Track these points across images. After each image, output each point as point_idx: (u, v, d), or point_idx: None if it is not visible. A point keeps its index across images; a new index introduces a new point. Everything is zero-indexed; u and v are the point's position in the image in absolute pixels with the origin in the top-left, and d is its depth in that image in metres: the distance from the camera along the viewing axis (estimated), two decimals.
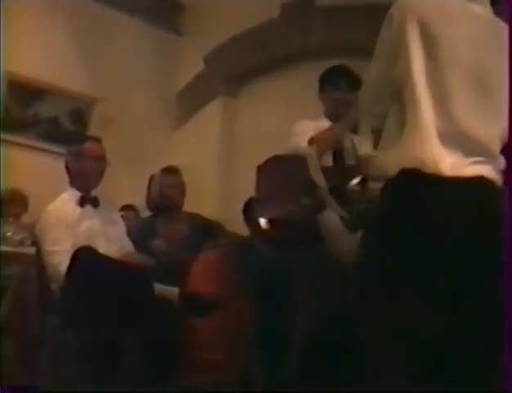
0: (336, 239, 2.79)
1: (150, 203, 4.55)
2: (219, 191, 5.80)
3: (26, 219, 4.75)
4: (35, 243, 3.77)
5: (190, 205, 4.63)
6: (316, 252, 2.90)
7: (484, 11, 2.15)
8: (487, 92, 2.06)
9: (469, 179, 1.99)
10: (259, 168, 3.27)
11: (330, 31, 4.93)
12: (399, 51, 2.07)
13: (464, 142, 2.03)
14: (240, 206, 4.80)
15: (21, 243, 4.39)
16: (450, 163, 1.99)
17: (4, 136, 5.18)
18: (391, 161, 2.07)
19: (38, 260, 3.58)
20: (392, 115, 2.14)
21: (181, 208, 4.50)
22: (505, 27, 2.15)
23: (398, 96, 2.08)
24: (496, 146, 2.09)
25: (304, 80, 5.15)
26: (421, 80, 2.03)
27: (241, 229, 4.69)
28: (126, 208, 4.99)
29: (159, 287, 3.47)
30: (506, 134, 2.12)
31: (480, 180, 2.01)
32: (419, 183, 1.99)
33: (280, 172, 3.14)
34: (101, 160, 3.74)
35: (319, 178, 2.86)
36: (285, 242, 3.16)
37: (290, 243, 3.10)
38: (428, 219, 1.96)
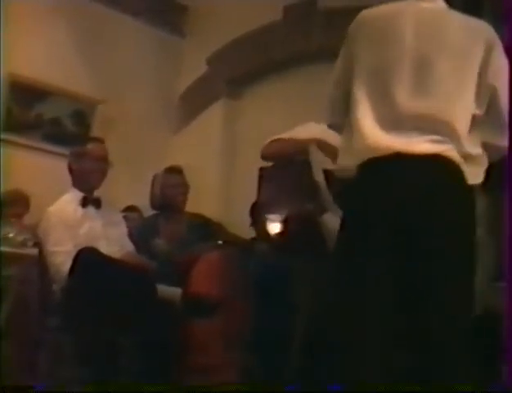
0: None
1: (153, 202, 4.56)
2: (221, 192, 5.81)
3: (28, 219, 4.76)
4: (37, 244, 3.77)
5: (192, 206, 4.64)
6: (317, 254, 2.90)
7: (434, 5, 2.22)
8: (432, 75, 2.11)
9: (421, 156, 2.02)
10: (262, 172, 3.28)
11: (332, 33, 4.93)
12: (351, 61, 2.20)
13: (414, 123, 2.07)
14: (242, 208, 4.81)
15: (23, 244, 4.39)
16: (398, 143, 2.04)
17: (7, 137, 5.18)
18: (345, 161, 2.17)
19: (40, 261, 3.59)
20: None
21: (183, 208, 4.50)
22: (461, 17, 2.21)
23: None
24: (456, 125, 2.09)
25: (306, 82, 5.16)
26: (363, 78, 2.14)
27: (243, 231, 4.70)
28: (129, 209, 5.00)
29: (162, 288, 3.48)
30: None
31: (433, 157, 2.03)
32: (370, 172, 2.06)
33: (283, 176, 3.15)
34: (103, 161, 3.75)
35: (319, 176, 2.87)
36: (289, 246, 3.17)
37: (294, 247, 3.11)
38: (378, 203, 2.02)
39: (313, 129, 3.09)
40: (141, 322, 3.18)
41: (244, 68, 5.90)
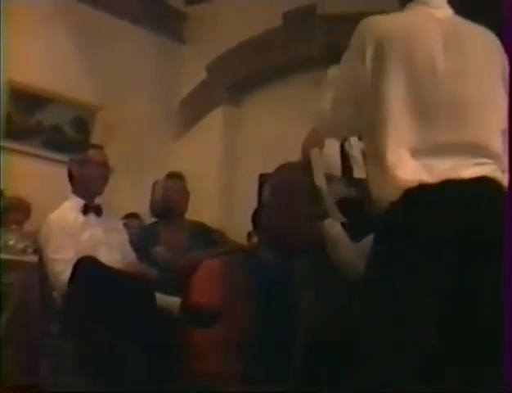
0: (338, 248, 2.79)
1: (154, 208, 4.55)
2: (221, 198, 5.81)
3: (29, 226, 4.76)
4: (38, 251, 3.77)
5: (192, 213, 4.63)
6: (318, 260, 2.90)
7: (448, 15, 2.19)
8: (468, 98, 2.07)
9: (469, 180, 1.98)
10: (262, 178, 3.27)
11: (332, 39, 4.94)
12: (376, 81, 2.08)
13: (456, 149, 2.02)
14: (243, 214, 4.81)
15: (24, 251, 4.39)
16: (443, 169, 1.98)
17: (7, 144, 5.19)
18: (387, 189, 2.05)
19: (41, 268, 3.59)
20: (370, 138, 2.15)
21: (184, 213, 4.50)
22: (475, 27, 2.18)
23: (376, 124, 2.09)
24: (493, 145, 2.06)
25: (306, 88, 5.16)
26: (398, 101, 2.05)
27: (243, 237, 4.70)
28: (129, 216, 5.00)
29: (161, 297, 3.47)
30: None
31: (481, 180, 1.99)
32: (419, 199, 1.98)
33: (285, 181, 3.14)
34: (104, 167, 3.75)
35: (320, 179, 2.86)
36: (288, 251, 3.16)
37: (294, 252, 3.10)
38: (429, 228, 1.96)
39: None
40: (139, 331, 3.18)
41: (244, 74, 5.91)
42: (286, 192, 3.12)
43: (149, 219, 4.76)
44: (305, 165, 2.92)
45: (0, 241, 4.34)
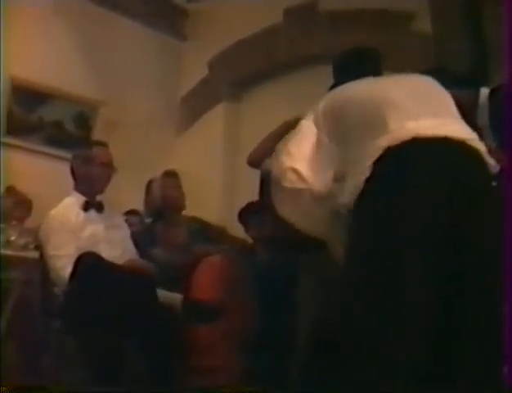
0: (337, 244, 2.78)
1: (150, 208, 4.54)
2: (222, 195, 5.80)
3: (30, 222, 4.76)
4: (39, 247, 3.77)
5: (194, 209, 4.63)
6: (318, 256, 2.90)
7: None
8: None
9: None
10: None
11: (334, 36, 4.94)
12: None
13: None
14: None
15: (25, 247, 4.39)
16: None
17: (8, 140, 5.19)
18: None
19: (42, 264, 3.59)
20: None
21: (183, 210, 4.49)
22: None
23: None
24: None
25: (308, 84, 5.16)
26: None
27: (243, 234, 4.69)
28: (130, 213, 4.99)
29: (163, 293, 3.47)
30: None
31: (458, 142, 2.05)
32: (403, 154, 2.03)
33: None
34: (108, 166, 3.73)
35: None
36: (288, 245, 3.16)
37: (293, 247, 3.10)
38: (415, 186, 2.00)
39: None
40: (141, 326, 3.18)
41: (246, 71, 5.90)
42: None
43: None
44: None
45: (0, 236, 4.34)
